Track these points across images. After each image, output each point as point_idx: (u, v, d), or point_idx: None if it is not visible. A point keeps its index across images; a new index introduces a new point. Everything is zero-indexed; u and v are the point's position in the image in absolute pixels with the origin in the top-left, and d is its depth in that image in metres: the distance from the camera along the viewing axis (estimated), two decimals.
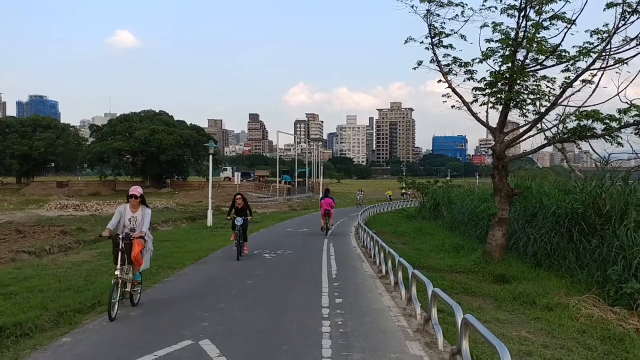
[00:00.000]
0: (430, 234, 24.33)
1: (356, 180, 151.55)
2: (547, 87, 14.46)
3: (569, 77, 13.85)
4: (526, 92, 14.71)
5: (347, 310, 8.91)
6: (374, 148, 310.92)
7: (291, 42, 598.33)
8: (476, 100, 15.49)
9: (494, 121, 15.38)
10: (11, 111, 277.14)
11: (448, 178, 58.07)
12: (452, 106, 15.82)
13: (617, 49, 13.10)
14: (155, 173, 72.24)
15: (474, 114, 15.43)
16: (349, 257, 16.57)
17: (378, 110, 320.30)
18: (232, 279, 12.06)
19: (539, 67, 14.40)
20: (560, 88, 14.07)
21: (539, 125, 14.71)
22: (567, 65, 13.83)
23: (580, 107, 13.58)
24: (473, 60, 15.00)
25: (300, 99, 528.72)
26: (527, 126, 14.89)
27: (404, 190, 60.80)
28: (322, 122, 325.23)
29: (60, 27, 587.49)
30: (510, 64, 14.13)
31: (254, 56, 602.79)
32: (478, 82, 15.15)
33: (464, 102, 15.49)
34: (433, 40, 15.15)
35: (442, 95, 15.66)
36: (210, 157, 29.80)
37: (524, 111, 14.96)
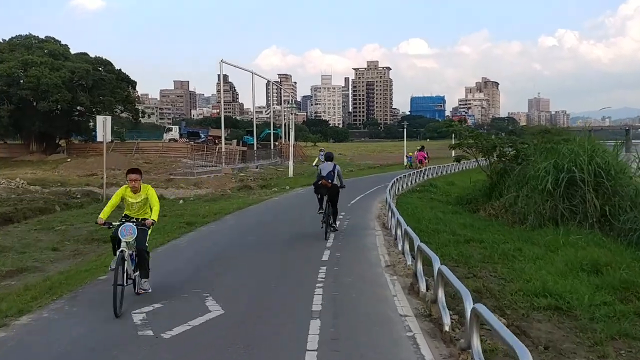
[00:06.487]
0: None
1: (333, 143, 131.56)
2: None
3: None
4: None
5: None
6: (350, 110, 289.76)
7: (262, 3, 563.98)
8: None
9: None
10: None
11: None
12: None
13: None
14: (39, 131, 46.37)
15: None
16: None
17: (354, 69, 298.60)
18: None
19: None
20: None
21: None
22: None
23: None
24: None
25: (272, 62, 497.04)
26: None
27: (412, 153, 42.52)
28: (295, 83, 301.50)
29: None
30: None
31: (224, 16, 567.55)
32: None
33: None
34: None
35: None
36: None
37: None
